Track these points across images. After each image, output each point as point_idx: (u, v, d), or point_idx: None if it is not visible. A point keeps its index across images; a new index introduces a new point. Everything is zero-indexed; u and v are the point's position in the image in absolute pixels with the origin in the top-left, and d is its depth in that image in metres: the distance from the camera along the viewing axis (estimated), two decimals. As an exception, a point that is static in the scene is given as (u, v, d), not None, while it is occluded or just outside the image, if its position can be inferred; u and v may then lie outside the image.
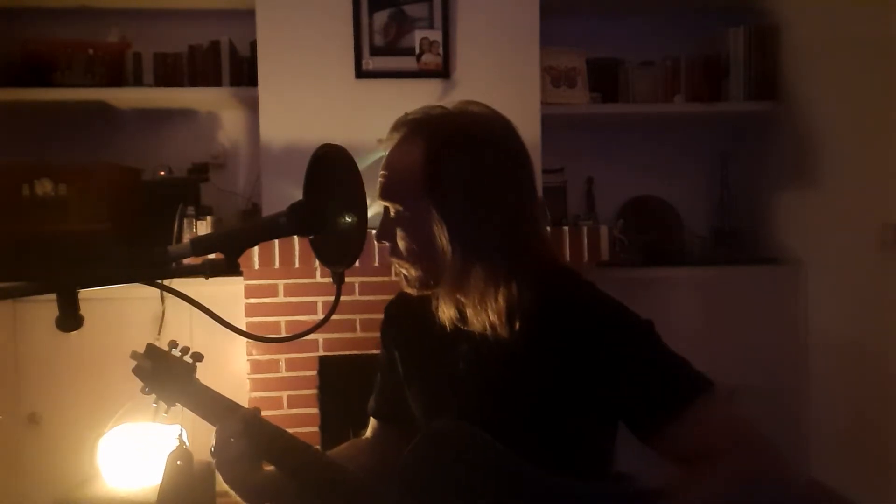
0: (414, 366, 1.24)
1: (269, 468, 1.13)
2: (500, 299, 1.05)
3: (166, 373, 1.13)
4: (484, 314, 1.06)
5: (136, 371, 1.13)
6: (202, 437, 1.13)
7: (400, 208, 1.08)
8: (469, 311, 1.09)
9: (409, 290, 1.13)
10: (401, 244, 1.09)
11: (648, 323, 1.06)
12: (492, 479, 1.01)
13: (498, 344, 1.07)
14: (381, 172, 1.10)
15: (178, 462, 1.12)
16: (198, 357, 1.16)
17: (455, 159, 1.04)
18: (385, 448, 1.28)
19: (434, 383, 1.19)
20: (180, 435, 1.12)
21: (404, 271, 1.11)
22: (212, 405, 1.15)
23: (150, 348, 1.14)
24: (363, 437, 1.34)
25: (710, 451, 0.96)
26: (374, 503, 1.08)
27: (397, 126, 1.11)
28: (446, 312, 1.12)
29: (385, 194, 1.09)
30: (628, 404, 1.03)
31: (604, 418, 1.08)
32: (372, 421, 1.34)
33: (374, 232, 1.14)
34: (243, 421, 1.10)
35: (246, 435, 1.09)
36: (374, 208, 1.07)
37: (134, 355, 1.13)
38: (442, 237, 1.05)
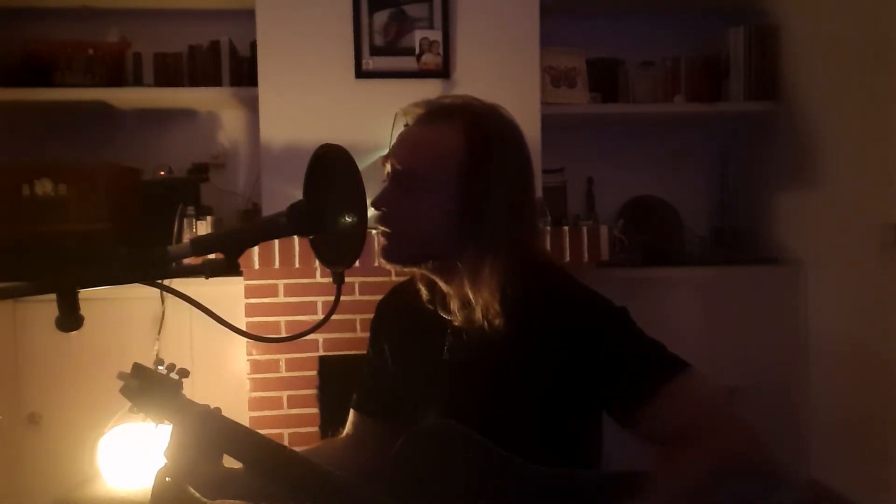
0: (403, 357, 1.25)
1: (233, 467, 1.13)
2: (507, 292, 1.08)
3: (153, 391, 1.14)
4: (490, 308, 1.08)
5: (124, 391, 1.13)
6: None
7: (420, 177, 1.09)
8: (477, 308, 1.10)
9: (387, 264, 1.13)
10: (400, 214, 1.10)
11: (623, 310, 1.09)
12: (479, 477, 1.02)
13: (484, 335, 1.09)
14: (407, 138, 1.11)
15: (168, 479, 1.12)
16: (184, 373, 1.17)
17: (495, 151, 1.08)
18: (365, 442, 1.29)
19: (422, 373, 1.20)
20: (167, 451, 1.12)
21: (387, 241, 1.12)
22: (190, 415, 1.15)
23: (137, 367, 1.14)
24: (340, 435, 1.34)
25: (685, 432, 0.97)
26: (340, 494, 1.07)
27: (428, 103, 1.12)
28: (453, 306, 1.14)
29: (408, 160, 1.10)
30: (607, 390, 1.05)
31: (586, 406, 1.09)
32: (353, 415, 1.33)
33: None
34: (199, 415, 1.10)
35: (202, 428, 1.09)
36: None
37: (121, 376, 1.14)
38: (450, 223, 1.07)
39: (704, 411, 1.01)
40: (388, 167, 1.12)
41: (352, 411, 1.34)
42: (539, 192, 2.62)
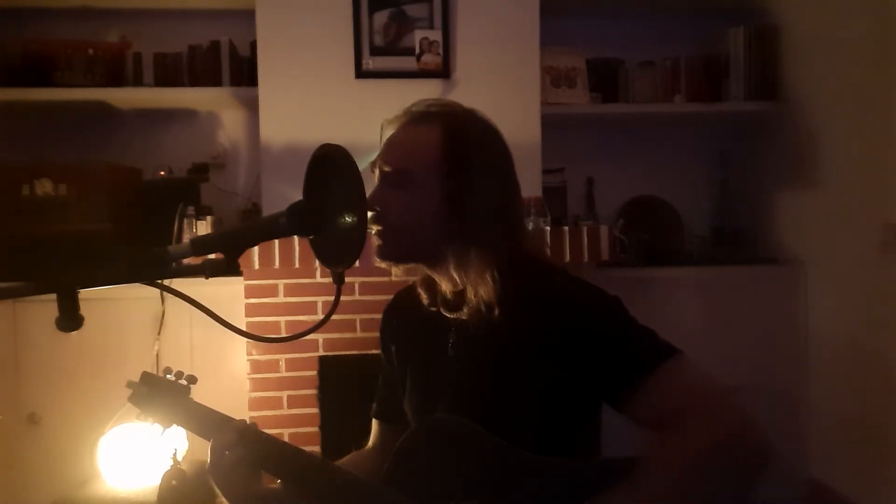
0: (411, 358, 1.26)
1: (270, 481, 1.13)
2: (497, 279, 1.11)
3: (162, 397, 1.14)
4: (481, 293, 1.11)
5: (133, 399, 1.14)
6: (204, 442, 1.14)
7: (406, 173, 1.12)
8: (468, 291, 1.13)
9: (382, 264, 1.15)
10: (391, 210, 1.12)
11: (616, 298, 1.11)
12: (479, 468, 1.04)
13: (484, 330, 1.11)
14: (392, 141, 1.15)
15: (174, 482, 1.12)
16: (192, 380, 1.17)
17: (473, 149, 1.13)
18: (389, 450, 1.29)
19: (429, 372, 1.22)
20: (174, 454, 1.13)
21: (380, 239, 1.14)
22: (208, 422, 1.16)
23: (146, 376, 1.15)
24: (366, 447, 1.35)
25: (678, 416, 0.99)
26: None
27: (410, 111, 1.17)
28: (444, 288, 1.18)
29: (394, 160, 1.13)
30: (602, 376, 1.06)
31: (584, 395, 1.10)
32: (375, 424, 1.35)
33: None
34: (237, 431, 1.11)
35: (241, 444, 1.10)
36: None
37: (130, 384, 1.14)
38: (437, 214, 1.10)
39: (696, 395, 1.03)
40: (377, 172, 1.16)
41: (373, 421, 1.35)
42: (539, 192, 2.62)
